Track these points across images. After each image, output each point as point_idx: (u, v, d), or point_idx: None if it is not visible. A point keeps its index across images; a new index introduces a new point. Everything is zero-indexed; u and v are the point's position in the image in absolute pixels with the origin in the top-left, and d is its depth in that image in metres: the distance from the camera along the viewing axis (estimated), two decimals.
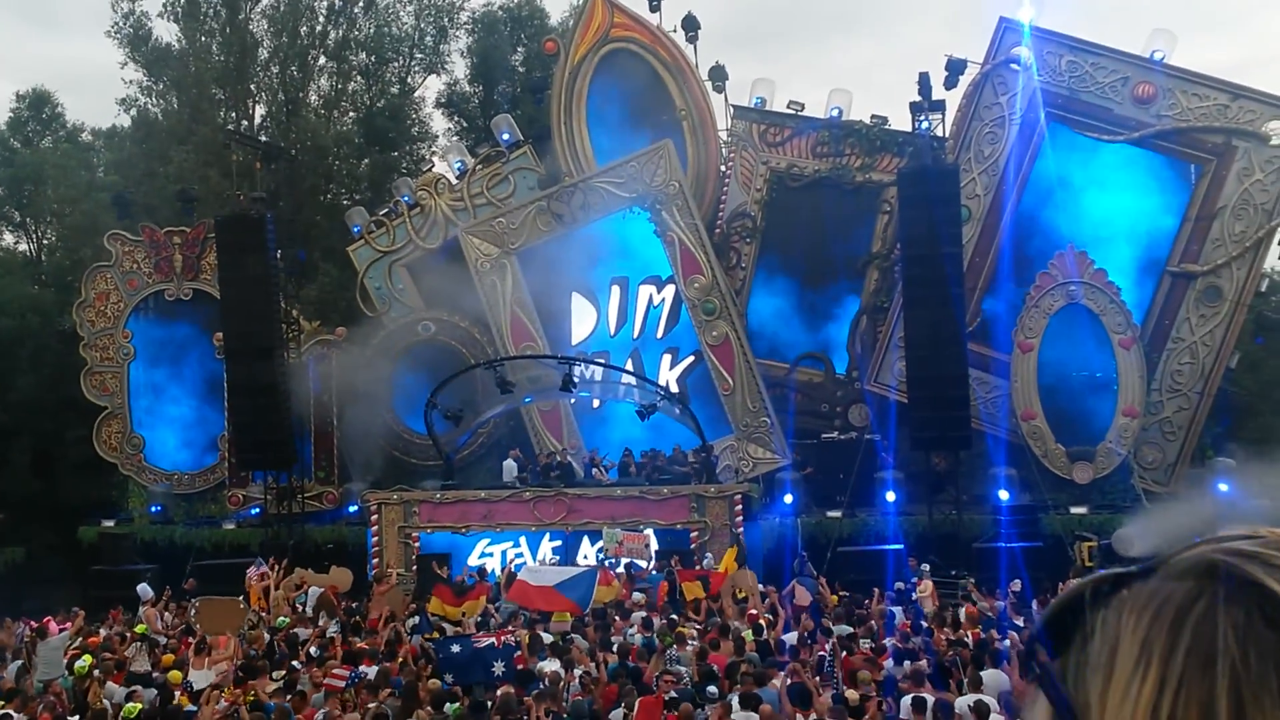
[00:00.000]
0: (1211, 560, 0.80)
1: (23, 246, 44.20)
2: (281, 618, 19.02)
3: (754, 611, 18.32)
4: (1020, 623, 17.32)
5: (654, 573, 22.44)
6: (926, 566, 21.22)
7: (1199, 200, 26.55)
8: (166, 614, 20.68)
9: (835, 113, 29.03)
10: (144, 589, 21.54)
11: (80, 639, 18.53)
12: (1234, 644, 0.74)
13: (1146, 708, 0.75)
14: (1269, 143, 26.13)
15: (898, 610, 18.35)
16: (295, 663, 15.92)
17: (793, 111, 29.53)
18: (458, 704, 13.21)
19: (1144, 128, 26.59)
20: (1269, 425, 29.98)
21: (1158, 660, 0.76)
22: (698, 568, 22.28)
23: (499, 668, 14.63)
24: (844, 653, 15.52)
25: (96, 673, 15.86)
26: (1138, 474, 26.03)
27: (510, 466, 26.39)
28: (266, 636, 17.62)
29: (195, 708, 13.76)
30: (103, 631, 19.59)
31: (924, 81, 26.31)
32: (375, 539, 25.29)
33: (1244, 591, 0.77)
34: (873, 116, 29.23)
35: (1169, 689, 0.75)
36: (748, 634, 16.74)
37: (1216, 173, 26.43)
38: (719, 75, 30.12)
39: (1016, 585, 19.33)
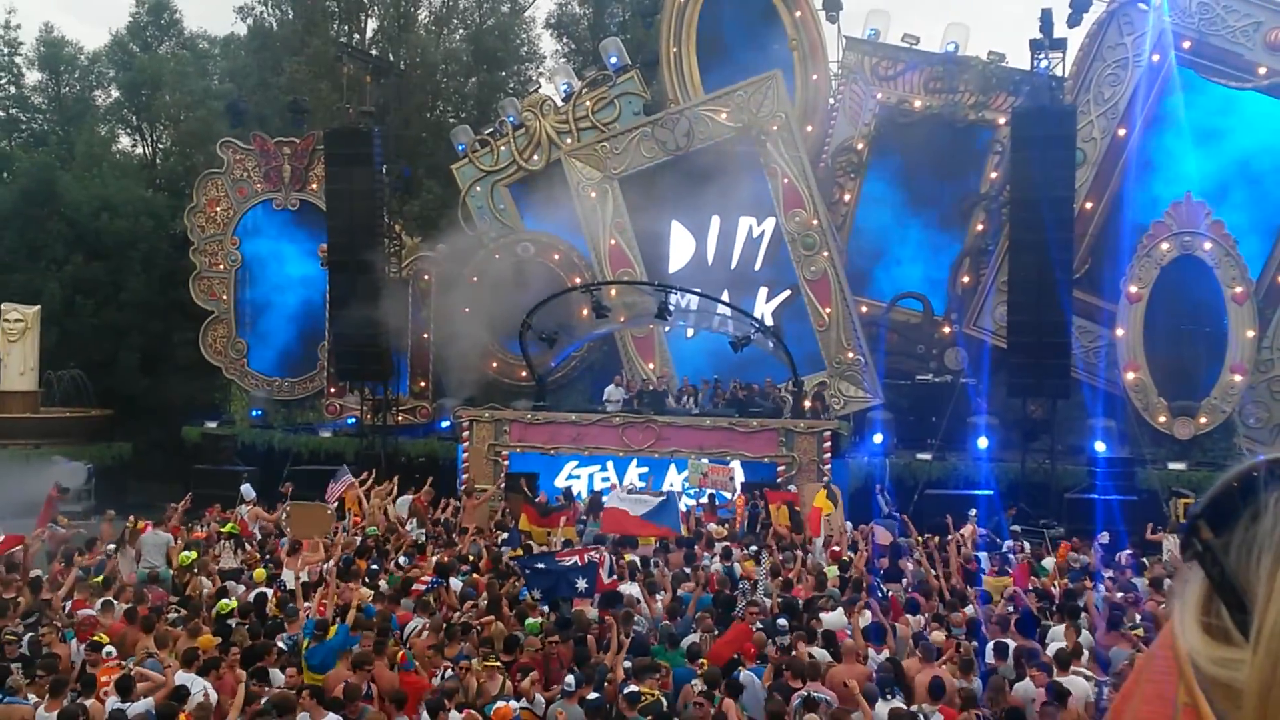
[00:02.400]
0: None
1: (139, 150, 45.17)
2: (372, 527, 19.43)
3: (837, 548, 18.32)
4: (1109, 574, 17.09)
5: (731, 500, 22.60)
6: (973, 511, 20.95)
7: None
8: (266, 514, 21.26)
9: (951, 47, 28.38)
10: (247, 489, 22.14)
11: (181, 535, 19.15)
12: None
13: None
14: None
15: (983, 555, 18.18)
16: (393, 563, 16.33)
17: (907, 45, 28.91)
18: (538, 620, 13.44)
19: (1275, 75, 25.61)
20: None
21: None
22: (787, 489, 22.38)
23: (582, 584, 14.84)
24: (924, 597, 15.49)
25: (195, 568, 16.44)
26: (1242, 433, 25.42)
27: (613, 392, 26.58)
28: (357, 541, 18.04)
29: (290, 605, 14.13)
30: (201, 528, 20.23)
31: (1046, 18, 25.59)
32: (466, 455, 25.68)
33: None
34: (990, 53, 28.52)
35: None
36: (830, 570, 16.78)
37: None
38: (833, 4, 29.53)
39: (1105, 537, 19.03)
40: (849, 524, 20.41)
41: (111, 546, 17.75)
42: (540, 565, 15.64)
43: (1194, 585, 0.82)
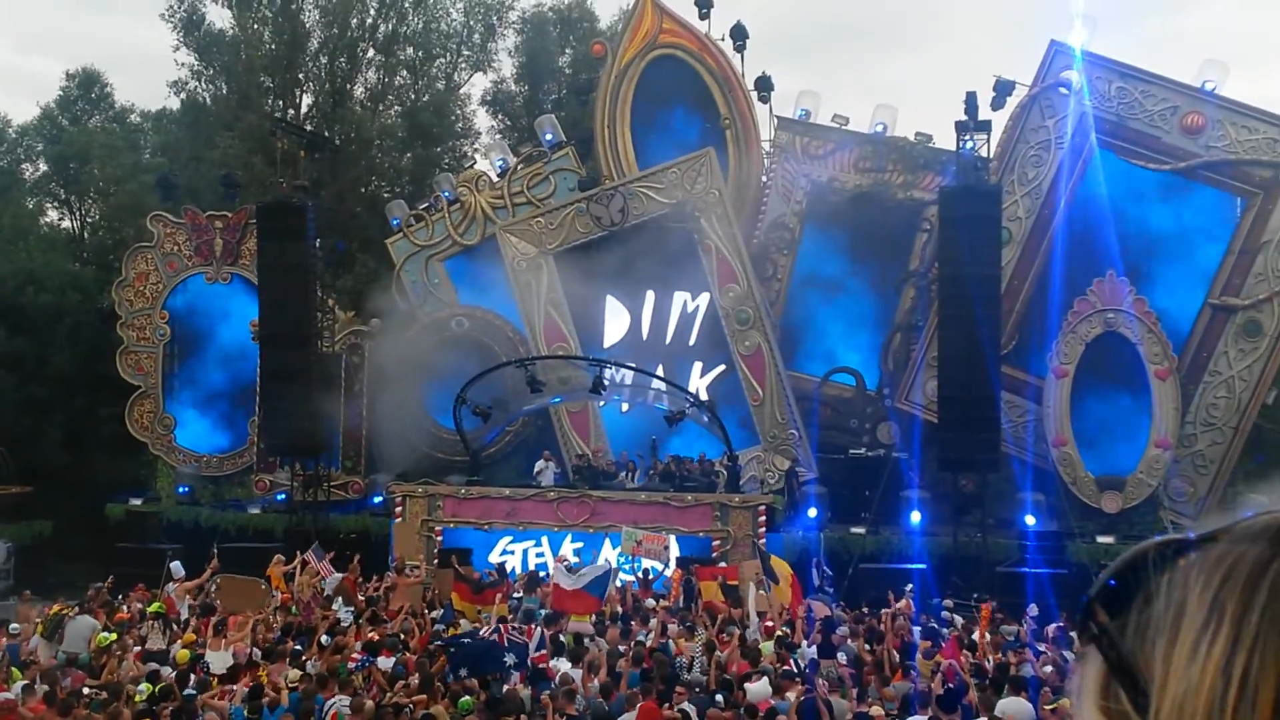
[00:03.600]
0: None
1: (66, 224, 44.66)
2: (292, 607, 19.14)
3: (770, 624, 18.27)
4: (1041, 648, 17.20)
5: (666, 577, 22.53)
6: (910, 587, 21.03)
7: (1243, 233, 26.28)
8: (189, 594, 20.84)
9: (880, 128, 28.97)
10: (176, 566, 21.71)
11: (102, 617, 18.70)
12: None
13: (1217, 667, 0.74)
14: None
15: (916, 629, 18.22)
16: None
17: (837, 125, 29.49)
18: (470, 698, 13.26)
19: (1191, 158, 26.35)
20: None
21: (1230, 620, 0.75)
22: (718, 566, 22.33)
23: (511, 660, 14.70)
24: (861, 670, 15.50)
25: (117, 650, 16.04)
26: (1167, 505, 25.80)
27: (543, 467, 26.49)
28: (279, 620, 17.75)
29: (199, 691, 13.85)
30: (124, 608, 19.77)
31: (970, 101, 26.14)
32: (398, 530, 25.38)
33: None
34: (917, 134, 29.16)
35: (1243, 648, 0.74)
36: (765, 646, 16.72)
37: (1263, 207, 26.16)
38: (765, 86, 30.11)
39: (1034, 610, 19.16)
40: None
41: (29, 629, 17.34)
42: (465, 640, 15.48)
43: (1091, 668, 0.84)
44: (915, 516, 25.57)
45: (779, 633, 17.47)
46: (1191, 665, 0.75)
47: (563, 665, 15.12)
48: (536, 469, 26.73)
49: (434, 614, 19.10)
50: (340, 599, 20.01)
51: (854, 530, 26.12)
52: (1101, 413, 25.96)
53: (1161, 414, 25.58)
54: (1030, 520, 24.96)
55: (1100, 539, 24.99)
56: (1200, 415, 26.36)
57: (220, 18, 41.77)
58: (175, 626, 18.09)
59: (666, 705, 13.09)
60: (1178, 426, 25.77)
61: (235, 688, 13.74)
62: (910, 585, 21.16)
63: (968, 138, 26.28)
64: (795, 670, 15.21)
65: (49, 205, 44.82)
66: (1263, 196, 26.21)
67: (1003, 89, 27.42)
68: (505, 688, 14.07)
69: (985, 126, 26.53)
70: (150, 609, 18.72)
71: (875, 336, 29.42)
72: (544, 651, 15.39)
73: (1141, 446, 25.70)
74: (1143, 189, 26.65)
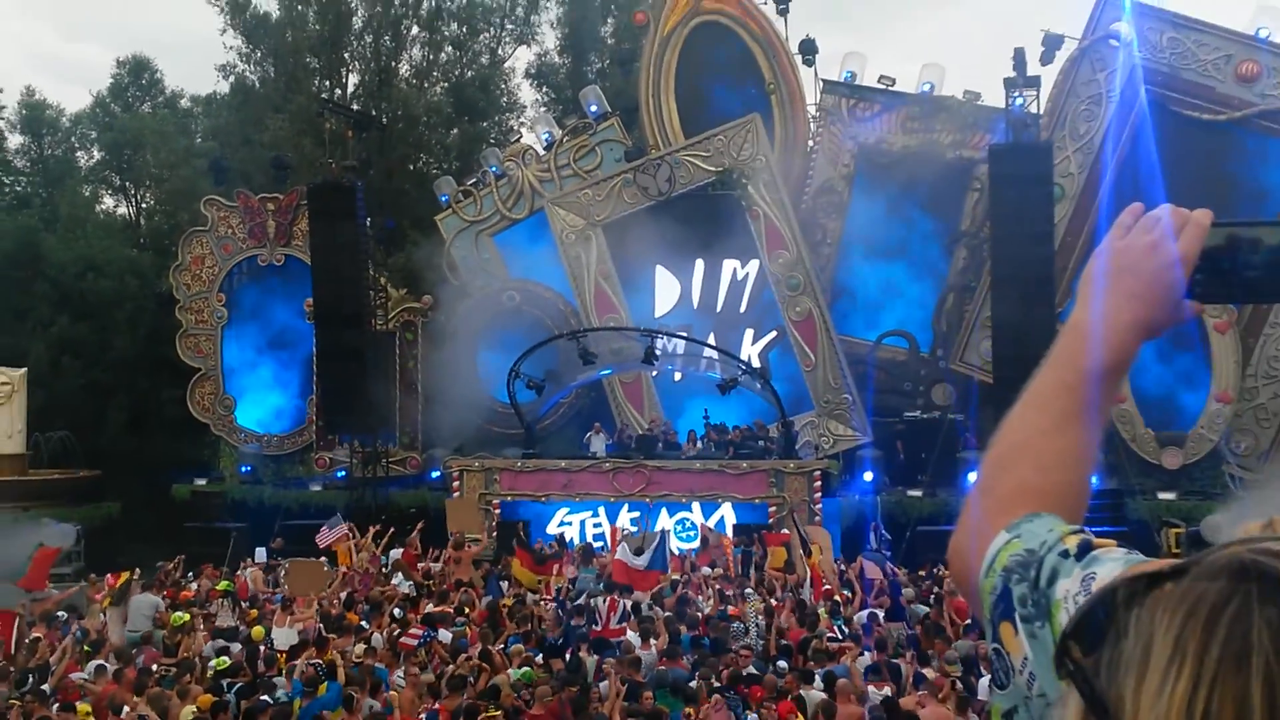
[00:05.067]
0: (1244, 561, 0.81)
1: (122, 210, 45.28)
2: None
3: (829, 588, 18.29)
4: None
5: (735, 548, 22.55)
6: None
7: None
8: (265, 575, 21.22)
9: (927, 88, 28.64)
10: (260, 552, 22.03)
11: (171, 595, 19.06)
12: (1268, 641, 0.75)
13: (1181, 704, 0.76)
14: None
15: None
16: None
17: (883, 86, 29.18)
18: (528, 669, 13.38)
19: (1247, 107, 25.90)
20: None
21: (1192, 658, 0.77)
22: (783, 531, 22.32)
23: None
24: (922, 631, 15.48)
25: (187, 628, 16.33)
26: (1229, 461, 25.48)
27: (594, 439, 26.60)
28: (343, 596, 17.99)
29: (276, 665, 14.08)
30: (194, 586, 20.13)
31: (1019, 57, 25.85)
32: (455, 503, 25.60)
33: (1277, 591, 0.78)
34: (965, 92, 28.78)
35: (1203, 686, 0.75)
36: (823, 610, 16.75)
37: None
38: (809, 49, 29.84)
39: None
40: (840, 563, 20.40)
41: (98, 607, 17.69)
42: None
43: (1072, 702, 0.86)
44: (972, 477, 25.35)
45: (837, 597, 17.50)
46: (1157, 704, 0.77)
47: (628, 635, 15.24)
48: (586, 439, 26.87)
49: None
50: (400, 574, 20.26)
51: (911, 493, 26.04)
52: (1160, 369, 25.63)
53: (1222, 368, 25.24)
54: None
55: (1161, 495, 24.78)
56: (1261, 368, 25.98)
57: (267, 2, 42.07)
58: (243, 605, 18.39)
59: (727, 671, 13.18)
60: (1239, 380, 25.44)
61: (299, 664, 13.93)
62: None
63: (1017, 94, 25.98)
64: (842, 635, 15.29)
65: (104, 192, 45.42)
66: None
67: (1051, 43, 27.09)
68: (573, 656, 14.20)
69: (1035, 82, 26.22)
70: (219, 587, 19.04)
71: (928, 298, 29.17)
72: (624, 624, 15.49)
73: (1202, 401, 25.39)
74: (1196, 141, 26.20)
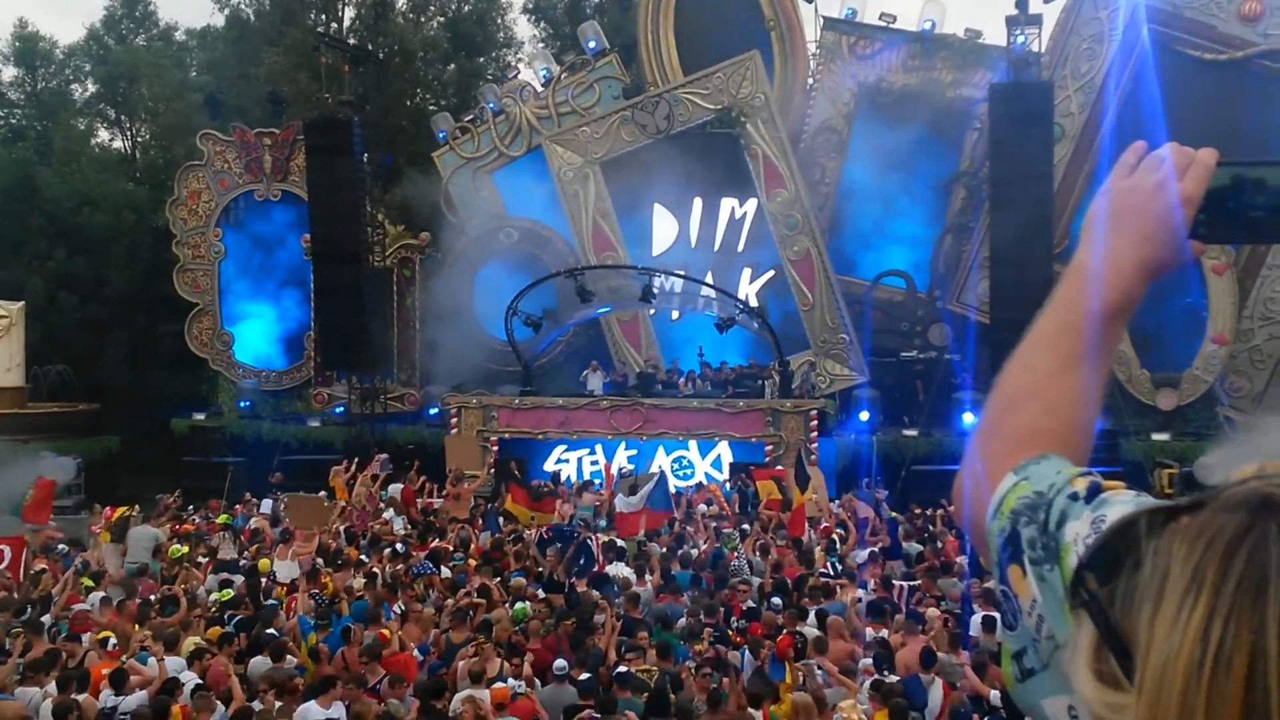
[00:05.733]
0: (1265, 493, 0.81)
1: (118, 144, 44.93)
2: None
3: (826, 525, 18.41)
4: None
5: (726, 487, 22.65)
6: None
7: None
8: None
9: (928, 25, 28.42)
10: (266, 504, 22.08)
11: (171, 526, 19.18)
12: None
13: (1196, 634, 0.76)
14: None
15: None
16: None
17: (884, 24, 28.94)
18: (526, 604, 13.49)
19: (1249, 46, 25.70)
20: None
21: (1209, 588, 0.77)
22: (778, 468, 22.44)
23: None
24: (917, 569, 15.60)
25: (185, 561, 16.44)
26: (1224, 403, 25.56)
27: (591, 377, 26.65)
28: (341, 529, 18.12)
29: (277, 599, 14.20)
30: (194, 520, 20.23)
31: None
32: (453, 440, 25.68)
33: None
34: (967, 30, 28.59)
35: (1219, 615, 0.75)
36: (819, 549, 16.87)
37: None
38: None
39: None
40: (834, 502, 20.51)
41: (98, 539, 17.83)
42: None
43: (1085, 633, 0.86)
44: (968, 418, 25.49)
45: (835, 535, 17.61)
46: (1173, 633, 0.77)
47: (621, 569, 15.35)
48: (583, 376, 26.93)
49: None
50: (391, 509, 20.35)
51: (906, 433, 26.15)
52: (1156, 309, 25.60)
53: (1219, 309, 25.25)
54: None
55: (1155, 436, 24.90)
56: (1258, 309, 26.01)
57: None
58: (243, 540, 18.50)
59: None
60: (1235, 322, 25.47)
61: (299, 596, 14.04)
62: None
63: (1018, 32, 25.74)
64: (835, 571, 15.43)
65: (100, 126, 45.07)
66: None
67: None
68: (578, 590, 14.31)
69: (1036, 20, 25.98)
70: (219, 520, 19.15)
71: (926, 238, 29.08)
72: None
73: (1198, 343, 25.42)
74: (1199, 80, 26.00)
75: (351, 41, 36.81)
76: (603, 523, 18.68)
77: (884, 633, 12.67)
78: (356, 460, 22.29)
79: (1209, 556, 0.79)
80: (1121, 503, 1.21)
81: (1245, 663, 0.72)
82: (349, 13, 42.13)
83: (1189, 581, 0.78)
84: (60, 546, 17.99)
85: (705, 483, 23.12)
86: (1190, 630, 0.76)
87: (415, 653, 12.01)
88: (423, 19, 42.50)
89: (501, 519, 19.55)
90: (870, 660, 11.56)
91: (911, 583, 15.17)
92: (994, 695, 10.71)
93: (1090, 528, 1.18)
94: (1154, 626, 0.79)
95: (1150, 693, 0.76)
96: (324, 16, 41.16)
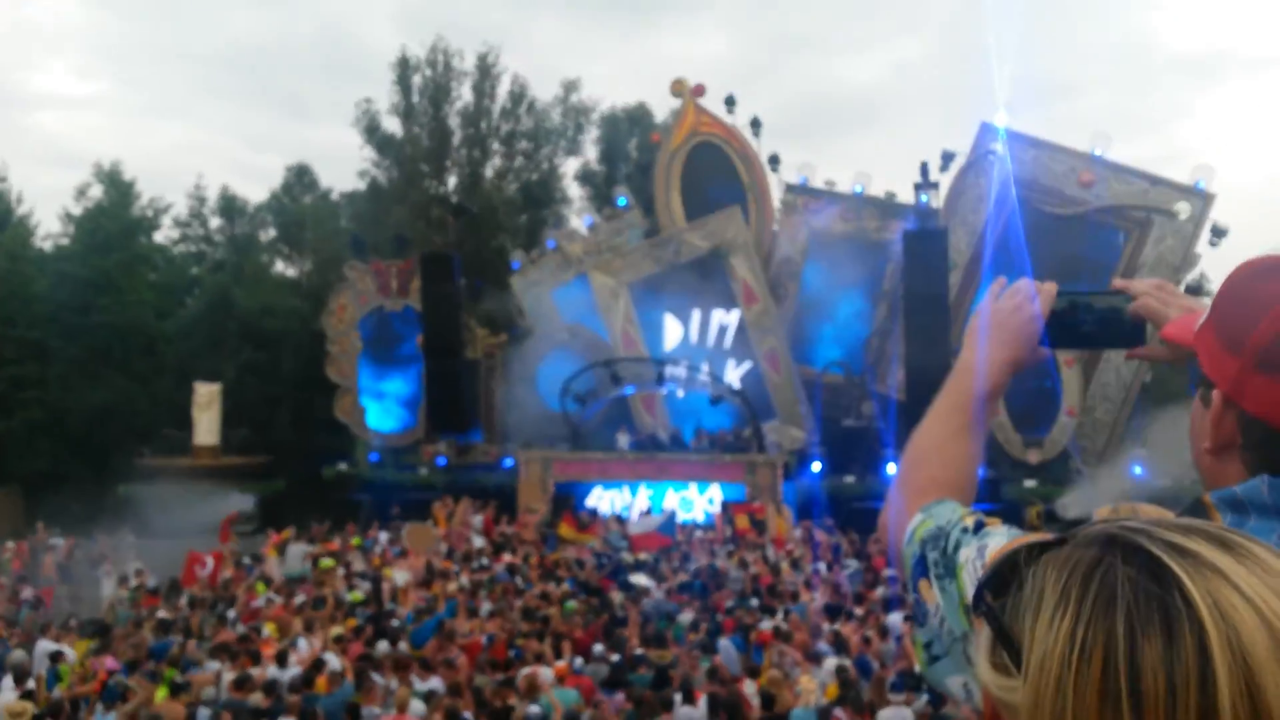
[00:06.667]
0: (1111, 533, 0.80)
1: (290, 271, 45.61)
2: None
3: (790, 547, 18.24)
4: None
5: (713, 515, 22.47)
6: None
7: (1125, 259, 25.72)
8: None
9: (858, 188, 28.64)
10: (383, 537, 21.84)
11: (321, 545, 19.13)
12: (1129, 590, 0.75)
13: (1066, 636, 0.76)
14: (1178, 218, 25.21)
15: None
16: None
17: (828, 188, 29.19)
18: (573, 602, 13.37)
19: (1086, 205, 25.84)
20: (1172, 426, 28.78)
21: (1074, 602, 0.77)
22: (752, 504, 22.26)
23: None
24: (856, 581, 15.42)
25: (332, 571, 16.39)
26: (1075, 458, 25.29)
27: (621, 439, 26.58)
28: (444, 549, 18.02)
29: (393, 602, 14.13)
30: (336, 540, 20.19)
31: (924, 167, 25.83)
32: (522, 484, 25.58)
33: (1135, 555, 0.77)
34: (886, 192, 28.77)
35: (1081, 623, 0.75)
36: (785, 564, 16.70)
37: (1139, 239, 25.60)
38: (774, 161, 29.86)
39: None
40: (797, 529, 20.33)
41: (269, 557, 17.81)
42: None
43: (984, 635, 0.85)
44: (891, 468, 25.28)
45: (796, 555, 17.45)
46: (1049, 634, 0.77)
47: (641, 579, 15.22)
48: (616, 437, 26.81)
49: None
50: (473, 532, 20.24)
51: (847, 479, 25.90)
52: (1025, 392, 25.43)
53: (1069, 390, 25.11)
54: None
55: (1026, 482, 24.60)
56: (1098, 390, 25.86)
57: (391, 124, 42.45)
58: (370, 553, 18.43)
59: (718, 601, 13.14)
60: (1082, 399, 25.30)
61: (411, 597, 13.98)
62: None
63: (923, 194, 25.93)
64: (795, 582, 15.24)
65: (277, 259, 45.77)
66: (1138, 231, 25.63)
67: (947, 157, 27.02)
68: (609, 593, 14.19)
69: (935, 185, 26.15)
70: (353, 542, 19.09)
71: (859, 338, 29.04)
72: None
73: (1055, 415, 25.23)
74: (1051, 227, 26.11)
75: (454, 200, 37.41)
76: (625, 543, 18.55)
77: (836, 625, 12.56)
78: (455, 499, 22.20)
79: (1073, 580, 0.78)
80: (999, 534, 1.22)
81: (1101, 656, 0.73)
82: (452, 180, 42.94)
83: (1059, 598, 0.78)
84: (245, 560, 18.01)
85: (709, 519, 22.85)
86: (1061, 633, 0.76)
87: (484, 640, 11.86)
88: (503, 183, 43.22)
89: (557, 539, 19.45)
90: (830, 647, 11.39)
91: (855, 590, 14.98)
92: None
93: (977, 553, 1.20)
94: (1034, 630, 0.78)
95: (1033, 678, 0.76)
96: (435, 182, 41.94)
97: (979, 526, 1.27)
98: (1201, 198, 25.28)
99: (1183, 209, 25.20)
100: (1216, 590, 0.74)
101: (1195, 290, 26.07)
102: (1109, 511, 1.08)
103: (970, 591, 1.18)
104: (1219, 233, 25.15)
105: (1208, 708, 0.71)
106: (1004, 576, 0.85)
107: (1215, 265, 27.60)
